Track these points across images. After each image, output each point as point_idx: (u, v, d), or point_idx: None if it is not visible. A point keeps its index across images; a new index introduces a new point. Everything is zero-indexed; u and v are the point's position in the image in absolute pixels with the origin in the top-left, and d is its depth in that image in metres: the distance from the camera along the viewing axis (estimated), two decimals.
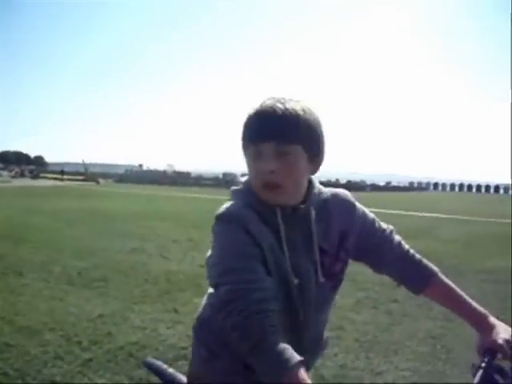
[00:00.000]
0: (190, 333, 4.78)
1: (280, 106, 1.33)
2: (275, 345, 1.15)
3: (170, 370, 1.99)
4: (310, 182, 1.46)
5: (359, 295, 6.57)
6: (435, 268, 1.56)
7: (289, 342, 1.19)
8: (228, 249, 1.31)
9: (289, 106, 1.34)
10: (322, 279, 1.43)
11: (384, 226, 1.59)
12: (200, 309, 1.64)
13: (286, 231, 1.37)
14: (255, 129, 1.36)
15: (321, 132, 1.40)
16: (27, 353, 4.18)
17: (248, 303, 1.20)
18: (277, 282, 1.33)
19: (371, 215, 1.58)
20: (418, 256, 1.58)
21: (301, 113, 1.34)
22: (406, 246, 1.59)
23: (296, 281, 1.37)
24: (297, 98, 1.39)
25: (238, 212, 1.35)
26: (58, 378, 3.73)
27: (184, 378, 1.93)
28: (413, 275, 1.55)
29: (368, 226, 1.55)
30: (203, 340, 1.57)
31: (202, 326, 1.59)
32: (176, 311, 5.60)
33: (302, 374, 1.12)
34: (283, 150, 1.32)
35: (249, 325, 1.18)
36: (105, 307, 5.63)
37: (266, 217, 1.36)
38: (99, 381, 3.72)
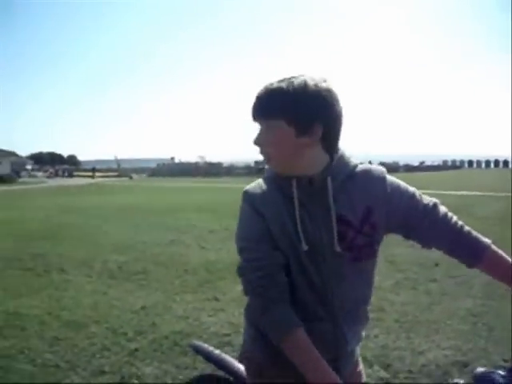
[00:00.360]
0: (232, 320, 4.97)
1: (268, 85, 1.49)
2: (277, 312, 1.43)
3: (217, 352, 2.14)
4: (333, 156, 1.53)
5: (398, 276, 6.58)
6: (488, 240, 1.56)
7: (312, 310, 1.49)
8: (240, 229, 1.59)
9: (277, 84, 1.47)
10: (337, 248, 1.48)
11: (427, 199, 1.60)
12: None
13: (302, 200, 1.49)
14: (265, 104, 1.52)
15: (316, 106, 1.45)
16: (75, 345, 4.40)
17: (252, 279, 1.47)
18: (286, 250, 1.48)
19: (411, 189, 1.59)
20: (467, 228, 1.58)
21: (287, 89, 1.44)
22: (454, 218, 1.59)
23: (306, 247, 1.47)
24: (303, 74, 1.48)
25: (251, 190, 1.57)
26: (106, 368, 3.92)
27: (230, 359, 2.06)
28: (465, 248, 1.56)
29: (406, 200, 1.57)
30: (252, 320, 1.70)
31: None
32: (217, 299, 5.77)
33: (297, 337, 1.40)
34: (266, 126, 1.49)
35: (254, 297, 1.48)
36: (147, 299, 5.83)
37: (283, 187, 1.51)
38: (146, 369, 3.89)
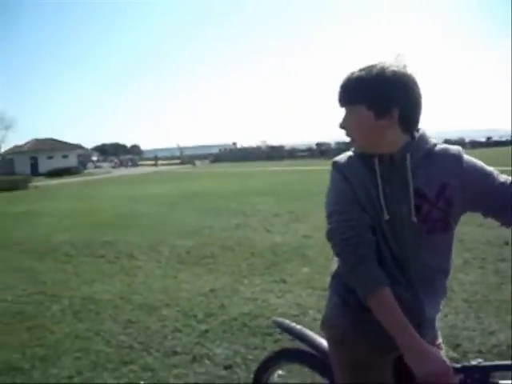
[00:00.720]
0: (300, 301, 5.04)
1: (350, 74, 1.67)
2: (366, 269, 1.59)
3: (298, 327, 2.30)
4: (413, 135, 1.68)
5: (466, 256, 6.46)
6: None
7: (392, 274, 1.63)
8: (330, 194, 1.76)
9: (357, 73, 1.65)
10: (414, 219, 1.62)
11: (504, 177, 1.66)
12: (333, 260, 1.89)
13: (384, 175, 1.65)
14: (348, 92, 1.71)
15: (392, 91, 1.60)
16: (148, 328, 4.63)
17: (342, 239, 1.64)
18: (370, 217, 1.65)
19: (488, 168, 1.67)
20: None
21: (365, 77, 1.63)
22: None
23: (387, 217, 1.64)
24: (383, 61, 1.64)
25: (340, 160, 1.77)
26: (178, 349, 4.10)
27: (311, 333, 2.19)
28: None
29: (483, 178, 1.64)
30: (335, 288, 1.86)
31: (335, 276, 1.87)
32: (284, 281, 5.87)
33: (385, 295, 1.55)
34: (349, 111, 1.68)
35: (344, 255, 1.65)
36: (215, 282, 6.02)
37: (368, 163, 1.68)
38: (217, 350, 4.04)
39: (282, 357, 2.43)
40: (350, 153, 1.78)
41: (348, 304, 1.76)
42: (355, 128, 1.68)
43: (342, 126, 1.72)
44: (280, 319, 2.56)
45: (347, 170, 1.71)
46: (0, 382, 3.76)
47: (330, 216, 1.72)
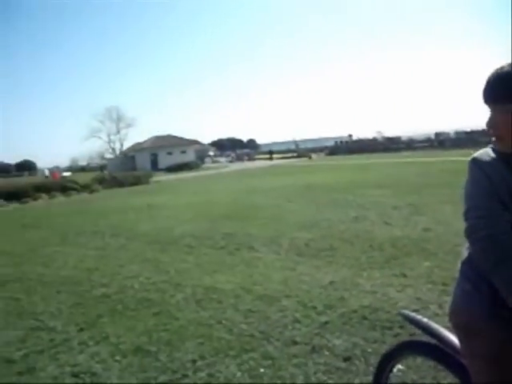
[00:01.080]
0: (420, 296, 4.94)
1: (498, 70, 1.67)
2: (507, 269, 1.59)
3: (425, 320, 2.31)
4: None
5: None
6: None
7: None
8: (470, 188, 1.75)
9: (506, 68, 1.64)
10: None
11: None
12: (465, 246, 1.89)
13: None
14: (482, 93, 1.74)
15: None
16: (268, 317, 4.77)
17: (483, 236, 1.64)
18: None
19: None
20: None
21: None
22: None
23: None
24: None
25: (480, 157, 1.76)
26: (298, 339, 4.20)
27: (437, 326, 2.22)
28: None
29: None
30: (467, 275, 1.85)
31: (467, 262, 1.86)
32: (404, 275, 5.77)
33: None
34: (496, 109, 1.67)
35: (485, 253, 1.65)
36: (335, 274, 6.04)
37: (509, 161, 1.68)
38: (336, 342, 4.08)
39: (408, 348, 2.44)
40: (488, 150, 1.77)
41: (480, 291, 1.74)
42: (501, 128, 1.67)
43: (488, 125, 1.72)
44: (406, 312, 2.57)
45: (488, 167, 1.70)
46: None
47: (468, 211, 1.72)
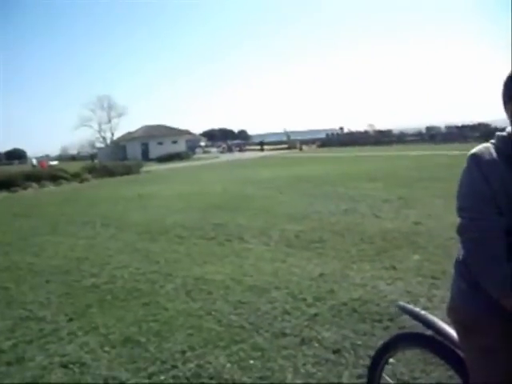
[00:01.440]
0: (410, 289, 4.96)
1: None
2: (496, 272, 1.61)
3: (422, 312, 2.34)
4: None
5: None
6: None
7: None
8: (465, 187, 1.74)
9: None
10: None
11: None
12: (460, 246, 1.89)
13: None
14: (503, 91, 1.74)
15: None
16: (258, 309, 4.78)
17: (473, 238, 1.66)
18: (507, 213, 1.64)
19: None
20: None
21: None
22: None
23: None
24: None
25: (479, 154, 1.73)
26: (287, 331, 4.20)
27: (435, 319, 2.24)
28: None
29: None
30: (462, 273, 1.86)
31: (462, 262, 1.86)
32: (394, 268, 5.79)
33: None
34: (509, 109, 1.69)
35: (475, 254, 1.67)
36: (325, 266, 6.05)
37: (509, 160, 1.67)
38: (326, 334, 4.09)
39: (405, 340, 2.46)
40: (489, 147, 1.74)
41: (477, 290, 1.75)
42: None
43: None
44: (403, 304, 2.61)
45: (487, 166, 1.68)
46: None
47: (461, 210, 1.73)
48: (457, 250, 1.91)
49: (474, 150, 1.75)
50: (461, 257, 1.85)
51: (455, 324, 1.92)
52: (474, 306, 1.78)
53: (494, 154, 1.69)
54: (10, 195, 21.72)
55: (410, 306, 2.48)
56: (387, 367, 2.58)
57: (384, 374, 2.50)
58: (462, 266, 1.84)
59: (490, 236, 1.62)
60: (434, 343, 2.18)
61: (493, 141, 1.75)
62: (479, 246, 1.64)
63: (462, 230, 1.72)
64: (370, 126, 68.90)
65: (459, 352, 1.99)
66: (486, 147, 1.74)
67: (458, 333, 1.92)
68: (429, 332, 2.21)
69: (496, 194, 1.63)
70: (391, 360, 2.55)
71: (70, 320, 4.87)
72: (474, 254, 1.68)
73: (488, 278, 1.65)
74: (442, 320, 2.19)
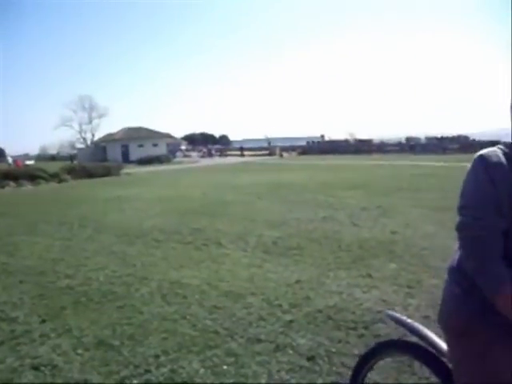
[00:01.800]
0: (385, 298, 5.00)
1: None
2: (491, 271, 1.65)
3: (409, 320, 2.37)
4: None
5: None
6: None
7: None
8: (469, 186, 1.78)
9: None
10: None
11: None
12: (454, 250, 1.94)
13: None
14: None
15: None
16: (233, 314, 4.76)
17: (473, 236, 1.69)
18: (509, 216, 1.67)
19: None
20: None
21: None
22: None
23: None
24: None
25: (487, 156, 1.76)
26: (262, 337, 4.20)
27: (422, 327, 2.26)
28: None
29: None
30: (456, 279, 1.89)
31: (457, 268, 1.89)
32: (370, 276, 5.83)
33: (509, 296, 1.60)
34: None
35: (472, 252, 1.70)
36: (301, 273, 6.06)
37: None
38: (301, 341, 4.09)
39: (390, 347, 2.49)
40: (497, 150, 1.77)
41: (472, 295, 1.78)
42: None
43: None
44: (392, 312, 2.65)
45: (493, 168, 1.71)
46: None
47: (462, 208, 1.77)
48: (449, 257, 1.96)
49: (481, 152, 1.78)
50: (455, 263, 1.88)
51: (445, 331, 1.95)
52: (466, 309, 1.81)
53: (502, 158, 1.72)
54: None
55: (398, 315, 2.51)
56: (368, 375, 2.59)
57: (365, 383, 2.52)
58: (456, 273, 1.88)
59: (489, 235, 1.66)
60: (418, 350, 2.21)
61: (500, 146, 1.78)
62: (479, 243, 1.67)
63: (462, 228, 1.74)
64: (351, 134, 69.41)
65: (445, 360, 2.03)
66: (493, 151, 1.77)
67: (446, 340, 1.95)
68: (413, 339, 2.26)
69: (500, 196, 1.67)
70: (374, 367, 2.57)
71: (43, 321, 4.80)
72: (472, 251, 1.71)
73: (483, 274, 1.67)
74: (430, 329, 2.22)
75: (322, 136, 71.49)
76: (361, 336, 4.12)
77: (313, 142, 69.42)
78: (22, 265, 7.12)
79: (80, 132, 76.27)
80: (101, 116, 75.26)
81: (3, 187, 23.06)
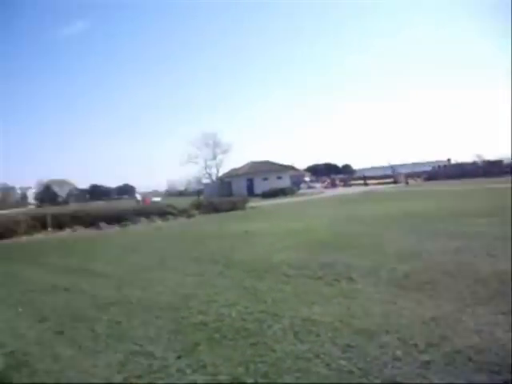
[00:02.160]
0: None
1: None
2: None
3: None
4: None
5: None
6: None
7: None
8: None
9: None
10: None
11: None
12: None
13: None
14: None
15: None
16: (367, 354, 4.67)
17: None
18: None
19: None
20: None
21: None
22: None
23: None
24: None
25: None
26: (398, 379, 4.08)
27: None
28: None
29: None
30: None
31: None
32: None
33: None
34: None
35: None
36: (436, 309, 5.82)
37: None
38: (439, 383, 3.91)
39: None
40: None
41: None
42: None
43: None
44: None
45: None
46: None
47: None
48: None
49: None
50: None
51: None
52: None
53: None
54: (121, 229, 22.87)
55: None
56: None
57: None
58: None
59: None
60: None
61: None
62: None
63: None
64: (479, 156, 66.53)
65: None
66: None
67: None
68: None
69: None
70: None
71: (179, 357, 4.99)
72: None
73: None
74: None
75: (449, 160, 69.09)
76: (507, 382, 3.86)
77: (438, 166, 67.32)
78: (157, 300, 7.49)
79: (205, 167, 79.41)
80: (225, 152, 77.95)
81: (136, 223, 24.59)
